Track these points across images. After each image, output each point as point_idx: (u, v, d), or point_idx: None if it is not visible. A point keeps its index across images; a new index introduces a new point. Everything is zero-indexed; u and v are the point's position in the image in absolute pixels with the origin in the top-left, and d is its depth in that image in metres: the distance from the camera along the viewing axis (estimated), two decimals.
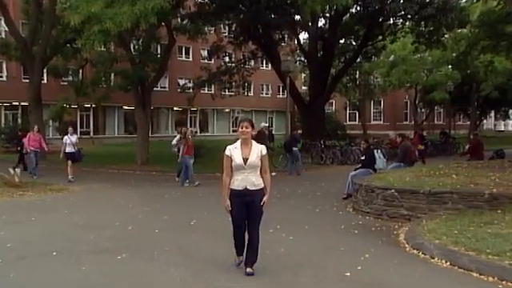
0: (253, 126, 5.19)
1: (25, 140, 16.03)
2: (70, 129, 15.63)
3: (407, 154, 12.56)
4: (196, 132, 43.40)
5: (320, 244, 7.08)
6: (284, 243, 6.98)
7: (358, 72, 34.76)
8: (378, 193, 9.03)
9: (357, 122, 45.95)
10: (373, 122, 47.21)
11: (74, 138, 15.11)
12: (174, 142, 15.00)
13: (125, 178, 16.20)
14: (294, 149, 17.60)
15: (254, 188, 5.17)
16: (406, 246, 6.76)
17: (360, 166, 11.98)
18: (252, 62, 31.14)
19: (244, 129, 5.12)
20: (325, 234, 7.79)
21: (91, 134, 36.83)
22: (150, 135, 23.04)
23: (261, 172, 5.22)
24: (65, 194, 12.38)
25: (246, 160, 5.12)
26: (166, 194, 12.27)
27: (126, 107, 37.36)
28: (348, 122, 47.05)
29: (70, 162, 14.79)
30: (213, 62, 31.91)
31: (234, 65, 28.85)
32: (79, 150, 15.33)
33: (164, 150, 27.73)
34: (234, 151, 5.16)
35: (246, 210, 5.21)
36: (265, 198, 5.23)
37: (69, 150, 14.91)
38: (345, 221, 8.80)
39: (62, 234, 7.65)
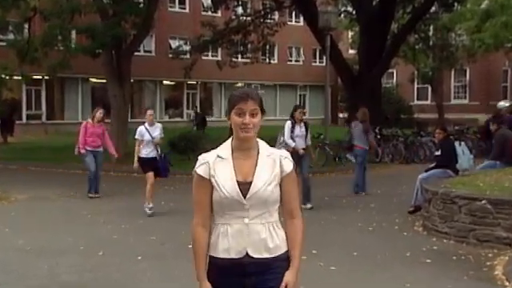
0: (263, 110, 3.41)
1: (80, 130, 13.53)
2: (150, 112, 11.92)
3: (506, 148, 12.37)
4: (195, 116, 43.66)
5: (375, 278, 7.02)
6: (322, 276, 6.95)
7: (431, 27, 34.31)
8: (461, 205, 8.92)
9: (429, 102, 45.52)
10: (454, 101, 46.67)
11: (156, 131, 11.49)
12: (286, 134, 12.06)
13: None
14: None
15: (265, 255, 3.36)
16: (506, 284, 6.69)
17: (434, 165, 11.88)
18: (276, 15, 30.95)
19: (247, 118, 3.31)
20: (382, 263, 7.73)
21: (43, 118, 37.26)
22: (130, 120, 23.16)
23: (283, 214, 3.45)
24: (4, 206, 12.48)
25: (245, 186, 3.32)
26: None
27: (94, 80, 37.61)
28: (416, 102, 46.64)
29: (150, 176, 11.42)
30: (219, 14, 31.85)
31: (249, 19, 28.76)
32: (164, 153, 12.09)
33: None
34: (219, 166, 3.36)
35: None
36: (287, 278, 3.41)
37: (147, 153, 11.42)
38: (412, 245, 8.73)
39: (0, 264, 7.71)
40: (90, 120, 13.66)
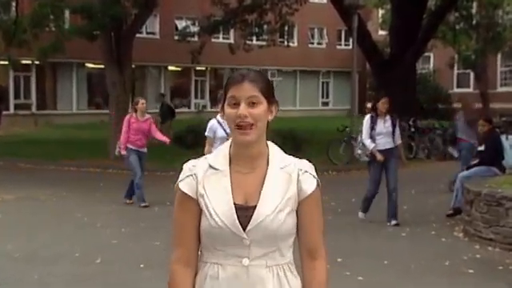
0: (271, 99, 2.72)
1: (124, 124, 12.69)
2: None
3: None
4: (204, 106, 43.72)
5: None
6: (349, 287, 6.94)
7: (475, 4, 34.04)
8: (508, 207, 8.88)
9: (471, 90, 45.22)
10: (500, 89, 46.26)
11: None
12: (365, 131, 10.88)
13: (89, 181, 16.41)
14: None
15: None
16: None
17: (477, 161, 11.83)
18: None
19: (242, 108, 2.63)
20: (417, 273, 7.72)
21: (33, 108, 37.43)
22: (130, 111, 23.19)
23: (300, 253, 2.82)
24: None
25: (246, 213, 2.67)
26: (156, 207, 12.37)
27: (91, 65, 37.72)
28: (456, 90, 46.33)
29: None
30: None
31: None
32: None
33: None
34: (211, 182, 2.72)
35: None
36: None
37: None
38: (451, 253, 8.71)
39: None
40: (133, 113, 12.75)
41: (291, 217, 2.68)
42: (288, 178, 2.70)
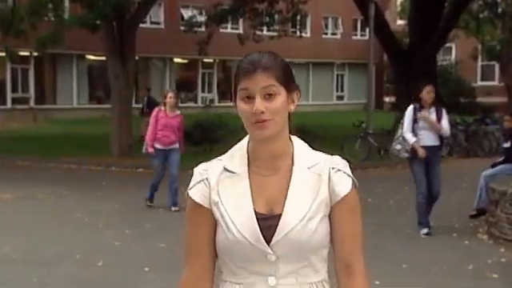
0: (290, 87, 2.41)
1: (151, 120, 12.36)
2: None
3: None
4: (212, 100, 43.75)
5: None
6: None
7: None
8: None
9: (496, 82, 45.07)
10: None
11: None
12: (406, 124, 10.20)
13: (91, 179, 16.44)
14: None
15: None
16: None
17: (502, 159, 11.83)
18: None
19: (257, 103, 2.32)
20: (438, 278, 7.70)
21: (31, 103, 37.56)
22: (134, 105, 23.26)
23: (334, 266, 2.50)
24: None
25: (270, 223, 2.36)
26: (161, 208, 12.37)
27: (92, 57, 37.81)
28: (480, 82, 46.23)
29: None
30: None
31: None
32: None
33: None
34: (227, 187, 2.42)
35: None
36: None
37: None
38: (474, 256, 8.68)
39: None
40: (162, 107, 12.30)
41: (324, 224, 2.39)
42: (317, 178, 2.40)
